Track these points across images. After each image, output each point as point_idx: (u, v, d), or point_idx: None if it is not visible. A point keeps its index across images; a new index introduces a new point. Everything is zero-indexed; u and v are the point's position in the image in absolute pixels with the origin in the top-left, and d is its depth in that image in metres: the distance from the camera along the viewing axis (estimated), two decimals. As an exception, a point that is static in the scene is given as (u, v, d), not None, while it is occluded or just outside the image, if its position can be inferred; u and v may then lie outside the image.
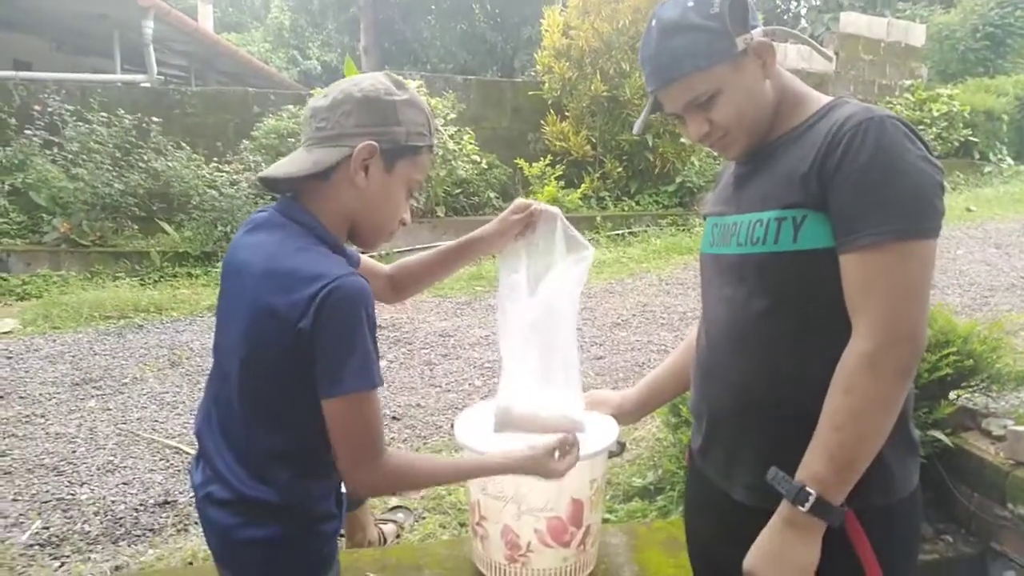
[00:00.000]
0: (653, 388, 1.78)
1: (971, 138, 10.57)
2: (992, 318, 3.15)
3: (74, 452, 3.29)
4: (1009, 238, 6.39)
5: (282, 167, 1.36)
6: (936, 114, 10.45)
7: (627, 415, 1.81)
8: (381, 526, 2.44)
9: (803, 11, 23.02)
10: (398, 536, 2.49)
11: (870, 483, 1.17)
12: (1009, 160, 10.85)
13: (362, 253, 1.49)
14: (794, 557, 1.17)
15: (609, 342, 4.47)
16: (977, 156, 10.71)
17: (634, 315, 5.02)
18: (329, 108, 1.33)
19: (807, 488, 1.14)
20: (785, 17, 15.34)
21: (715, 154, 8.41)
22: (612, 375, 3.97)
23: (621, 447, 1.95)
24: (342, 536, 2.46)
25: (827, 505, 1.14)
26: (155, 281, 6.66)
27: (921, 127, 10.04)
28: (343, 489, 1.47)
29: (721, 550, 1.39)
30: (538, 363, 1.55)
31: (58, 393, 4.05)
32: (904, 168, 1.14)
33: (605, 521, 2.45)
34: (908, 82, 11.89)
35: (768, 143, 1.31)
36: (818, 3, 22.19)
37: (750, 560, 1.20)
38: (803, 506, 1.14)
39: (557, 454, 1.49)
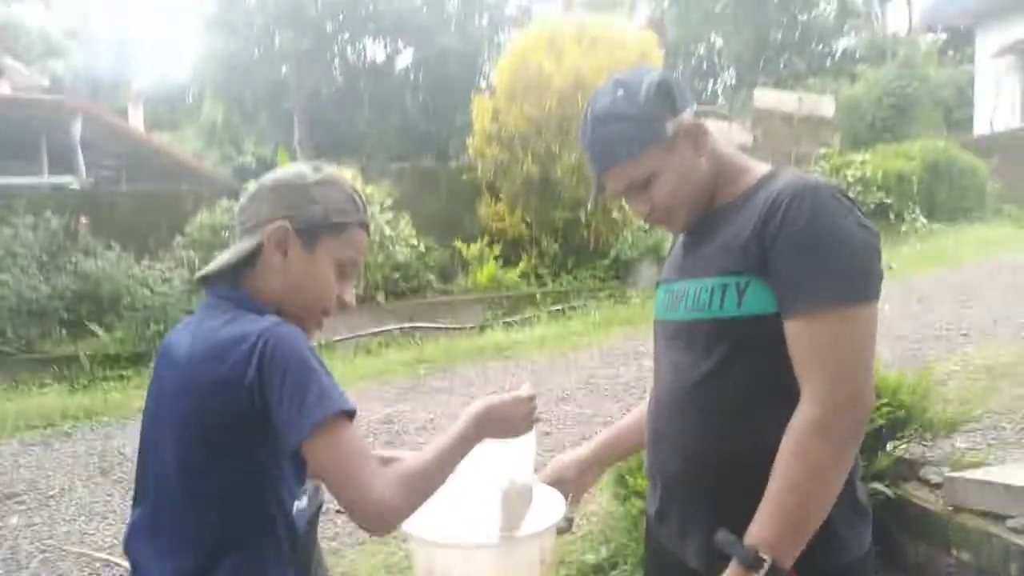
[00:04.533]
0: (609, 441, 1.76)
1: (885, 200, 11.11)
2: (922, 368, 3.26)
3: (-6, 576, 3.07)
4: (930, 292, 6.67)
5: (213, 263, 1.38)
6: (851, 179, 10.99)
7: (590, 466, 1.76)
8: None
9: (719, 89, 24.32)
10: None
11: (818, 547, 1.17)
12: (922, 219, 11.41)
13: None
14: None
15: (555, 418, 4.44)
16: (892, 217, 11.24)
17: (579, 388, 5.02)
18: (247, 201, 1.38)
19: (761, 554, 1.13)
20: (704, 95, 16.19)
21: (647, 227, 8.66)
22: (560, 450, 3.91)
23: (569, 523, 1.91)
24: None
25: (780, 570, 1.14)
26: (84, 386, 6.40)
27: (839, 192, 10.49)
28: None
29: None
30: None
31: (-22, 511, 3.80)
32: (841, 234, 1.17)
33: (560, 602, 2.38)
34: (822, 150, 12.53)
35: (712, 212, 1.36)
36: (732, 83, 23.48)
37: None
38: (757, 572, 1.13)
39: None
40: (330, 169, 1.43)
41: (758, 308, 1.22)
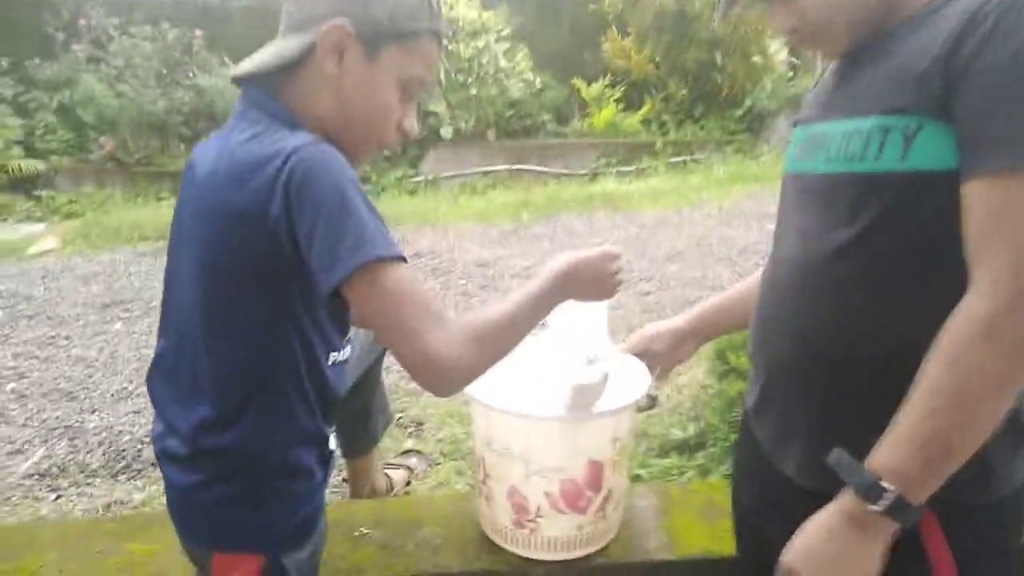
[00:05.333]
0: (711, 312, 1.55)
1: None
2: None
3: (91, 377, 3.18)
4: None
5: (248, 61, 1.14)
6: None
7: (685, 338, 1.58)
8: (390, 472, 2.23)
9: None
10: (408, 483, 2.28)
11: (962, 478, 0.91)
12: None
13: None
14: (853, 563, 0.92)
15: (659, 276, 4.14)
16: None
17: (689, 248, 4.67)
18: None
19: (884, 483, 0.87)
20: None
21: (791, 75, 7.86)
22: (660, 313, 3.66)
23: (652, 401, 1.68)
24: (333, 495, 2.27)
25: (906, 506, 0.87)
26: (198, 202, 6.57)
27: None
28: (332, 444, 1.26)
29: (769, 526, 1.17)
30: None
31: (86, 314, 3.97)
32: None
33: (636, 478, 2.19)
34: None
35: (883, 30, 1.01)
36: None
37: (793, 556, 0.96)
38: (876, 504, 0.88)
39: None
40: None
41: (929, 162, 0.89)
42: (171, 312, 1.18)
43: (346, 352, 1.28)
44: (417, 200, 6.46)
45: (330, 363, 1.20)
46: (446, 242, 5.07)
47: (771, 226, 1.21)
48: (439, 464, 2.39)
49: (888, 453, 0.89)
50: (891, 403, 0.91)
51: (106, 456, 2.52)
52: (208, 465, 1.13)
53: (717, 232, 4.99)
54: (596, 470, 1.61)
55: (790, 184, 1.15)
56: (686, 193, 6.27)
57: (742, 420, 1.34)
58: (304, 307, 1.10)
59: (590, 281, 1.23)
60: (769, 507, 1.17)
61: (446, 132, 7.11)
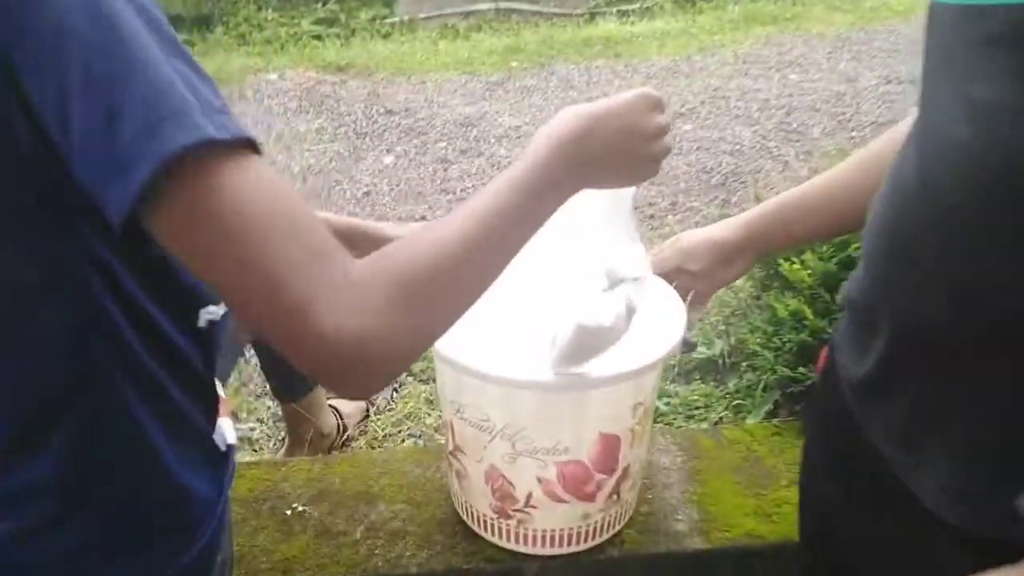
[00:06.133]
0: (775, 217, 1.12)
1: None
2: None
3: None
4: None
5: None
6: None
7: (734, 255, 1.15)
8: (340, 405, 1.79)
9: None
10: (365, 417, 1.84)
11: None
12: None
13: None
14: None
15: (672, 138, 3.57)
16: None
17: (703, 103, 4.07)
18: None
19: None
20: None
21: None
22: (671, 185, 3.14)
23: (690, 347, 1.20)
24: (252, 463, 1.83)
25: None
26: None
27: None
28: (229, 437, 0.83)
29: (870, 552, 0.83)
30: None
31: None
32: None
33: (655, 413, 1.75)
34: None
35: None
36: None
37: None
38: None
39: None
40: None
41: None
42: None
43: (220, 307, 0.79)
44: (392, 45, 5.71)
45: (204, 324, 0.73)
46: (424, 96, 4.43)
47: (797, 76, 0.70)
48: (404, 389, 1.93)
49: None
50: None
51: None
52: (16, 511, 0.70)
53: (734, 83, 4.36)
54: (610, 446, 1.15)
55: (950, 23, 0.66)
56: (697, 36, 5.57)
57: (823, 374, 0.92)
58: (116, 249, 0.61)
59: (619, 150, 0.76)
60: (879, 528, 0.80)
61: (423, -36, 6.25)
